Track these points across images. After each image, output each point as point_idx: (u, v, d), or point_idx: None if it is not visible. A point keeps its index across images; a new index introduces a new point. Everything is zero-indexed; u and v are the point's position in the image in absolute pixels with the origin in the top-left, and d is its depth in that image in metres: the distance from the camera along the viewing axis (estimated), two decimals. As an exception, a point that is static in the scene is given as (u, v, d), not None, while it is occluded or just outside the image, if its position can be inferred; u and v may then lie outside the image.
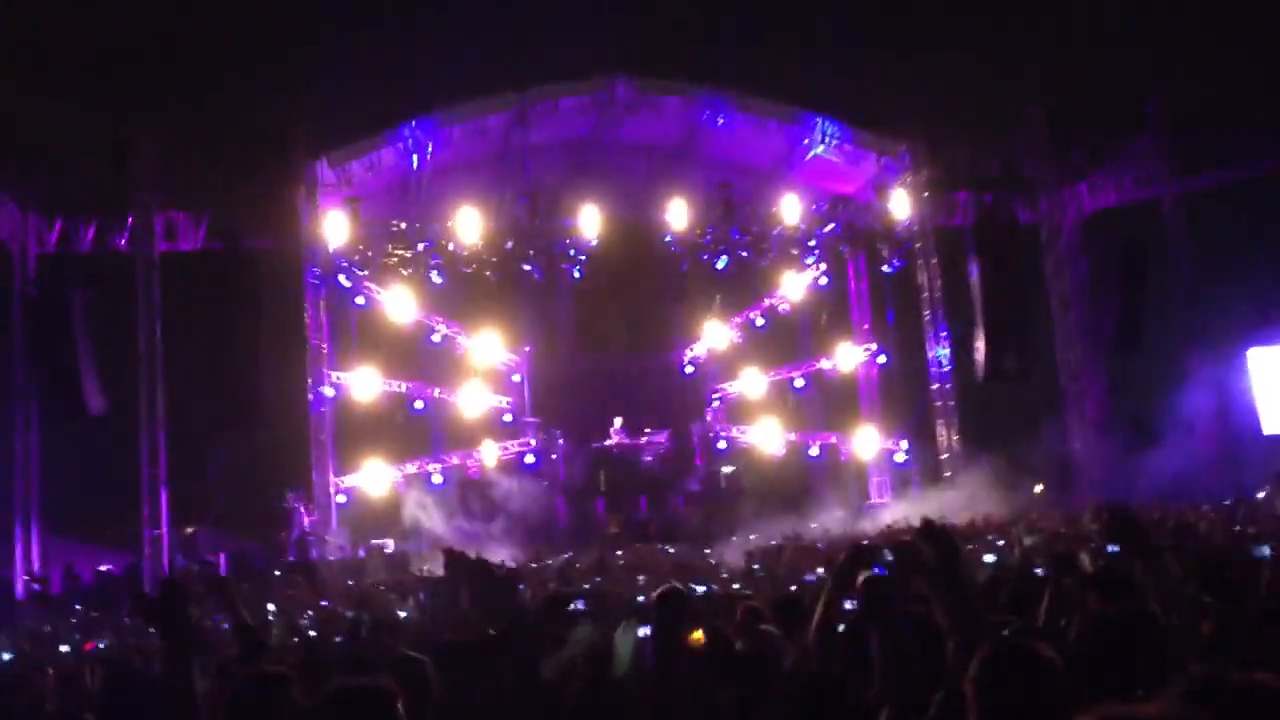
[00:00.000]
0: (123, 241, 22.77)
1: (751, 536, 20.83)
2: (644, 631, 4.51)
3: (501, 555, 16.78)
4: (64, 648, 9.56)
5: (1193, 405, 25.07)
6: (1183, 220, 25.38)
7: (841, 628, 4.38)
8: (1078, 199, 26.81)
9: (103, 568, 22.63)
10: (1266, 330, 27.01)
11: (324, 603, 13.02)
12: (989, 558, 9.52)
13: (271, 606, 13.21)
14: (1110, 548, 6.19)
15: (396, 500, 24.65)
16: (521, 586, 9.14)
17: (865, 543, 4.87)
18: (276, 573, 19.73)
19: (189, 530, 23.34)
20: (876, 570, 4.03)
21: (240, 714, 3.91)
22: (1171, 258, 25.43)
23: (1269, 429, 26.43)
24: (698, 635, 4.12)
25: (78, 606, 18.30)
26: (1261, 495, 16.67)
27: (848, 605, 4.62)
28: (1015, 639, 3.04)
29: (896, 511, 23.71)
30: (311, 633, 9.95)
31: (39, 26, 25.05)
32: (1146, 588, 4.95)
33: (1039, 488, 25.40)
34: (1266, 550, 5.72)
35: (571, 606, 5.66)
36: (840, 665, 4.11)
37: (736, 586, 12.55)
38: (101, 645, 11.85)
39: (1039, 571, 7.25)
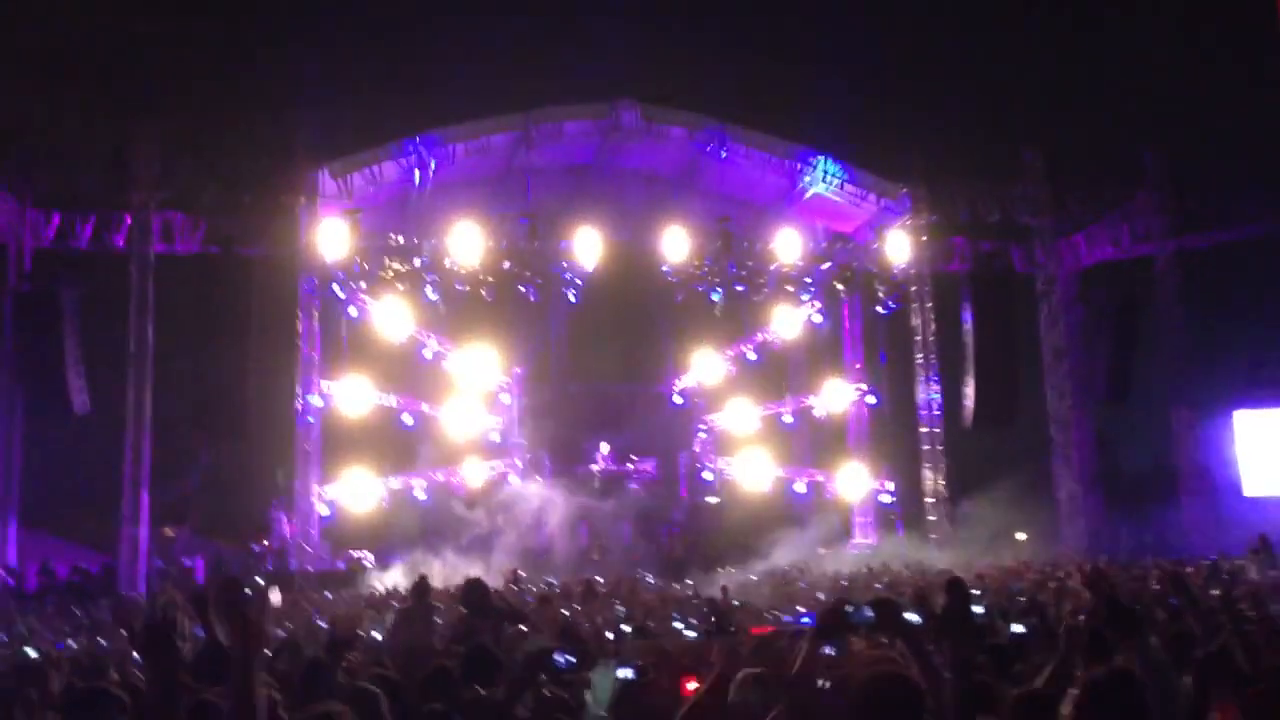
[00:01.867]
0: (119, 240, 22.69)
1: (731, 570, 20.76)
2: (625, 673, 4.46)
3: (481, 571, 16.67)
4: (31, 651, 9.44)
5: (1177, 463, 25.19)
6: (1177, 278, 25.53)
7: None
8: (1074, 250, 26.95)
9: (80, 565, 22.47)
10: (1254, 393, 27.17)
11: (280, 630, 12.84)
12: (978, 609, 9.48)
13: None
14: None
15: (380, 512, 24.58)
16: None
17: (844, 602, 4.84)
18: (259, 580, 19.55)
19: (168, 533, 23.19)
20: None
21: None
22: (1164, 315, 25.56)
23: (1249, 491, 26.53)
24: (693, 686, 4.03)
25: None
26: (1241, 561, 16.71)
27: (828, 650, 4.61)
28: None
29: (880, 555, 23.71)
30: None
31: (49, 23, 25.07)
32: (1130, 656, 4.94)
33: (1022, 536, 25.43)
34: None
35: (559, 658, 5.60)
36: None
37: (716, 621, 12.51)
38: (72, 645, 11.74)
39: (1019, 629, 7.25)
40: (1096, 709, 2.80)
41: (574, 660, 4.86)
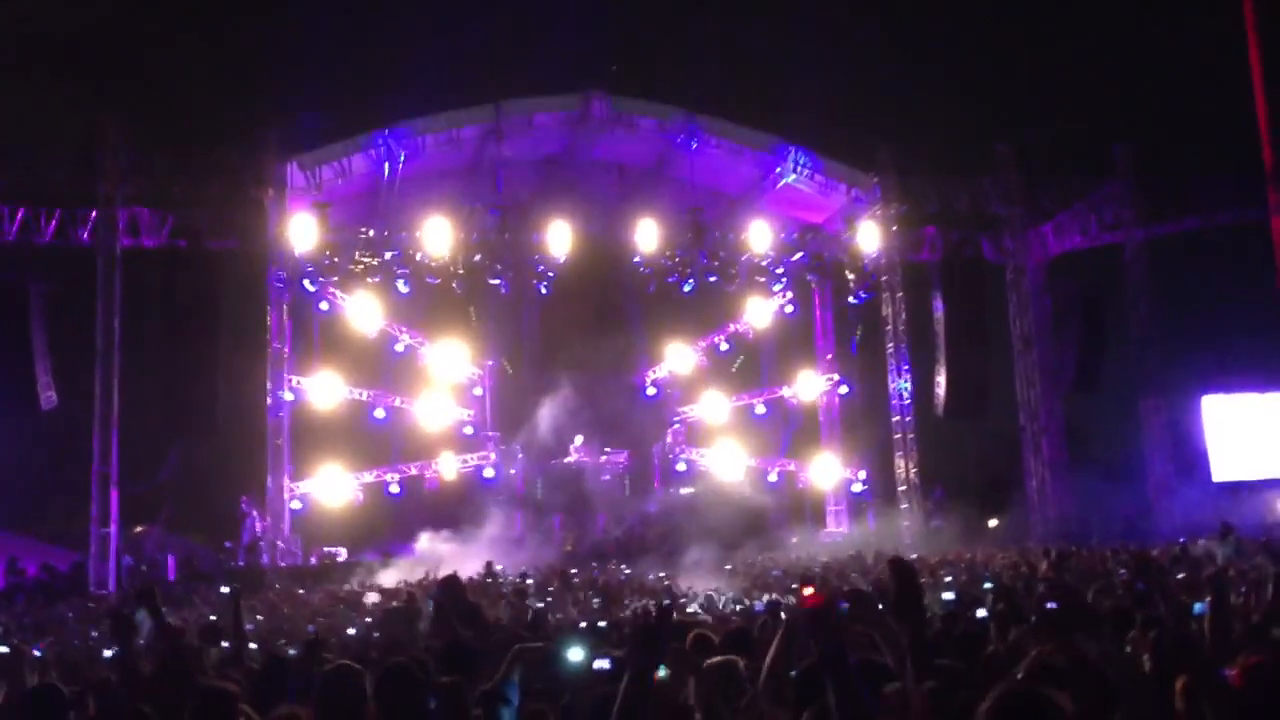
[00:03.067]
0: (86, 235, 22.44)
1: (705, 559, 20.79)
2: (601, 664, 4.43)
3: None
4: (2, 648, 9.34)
5: (1146, 449, 25.44)
6: (1145, 266, 25.76)
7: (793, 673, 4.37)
8: (1043, 240, 27.13)
9: (49, 564, 22.27)
10: (1222, 378, 27.46)
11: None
12: (948, 595, 9.55)
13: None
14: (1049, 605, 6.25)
15: (353, 508, 24.52)
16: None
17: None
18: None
19: (138, 530, 23.02)
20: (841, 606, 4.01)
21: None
22: (1132, 303, 25.78)
23: (1219, 476, 26.84)
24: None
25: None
26: (1204, 542, 16.91)
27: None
28: (1025, 685, 2.99)
29: (852, 542, 23.84)
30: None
31: (12, 16, 24.74)
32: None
33: (993, 523, 25.63)
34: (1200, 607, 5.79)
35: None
36: (790, 713, 4.10)
37: (690, 610, 12.56)
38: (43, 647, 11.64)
39: (982, 614, 7.30)
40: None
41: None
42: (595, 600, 15.05)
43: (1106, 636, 6.11)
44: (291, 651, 9.57)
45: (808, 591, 3.68)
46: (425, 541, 22.50)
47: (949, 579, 13.85)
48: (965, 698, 3.97)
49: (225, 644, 7.22)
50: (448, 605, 8.84)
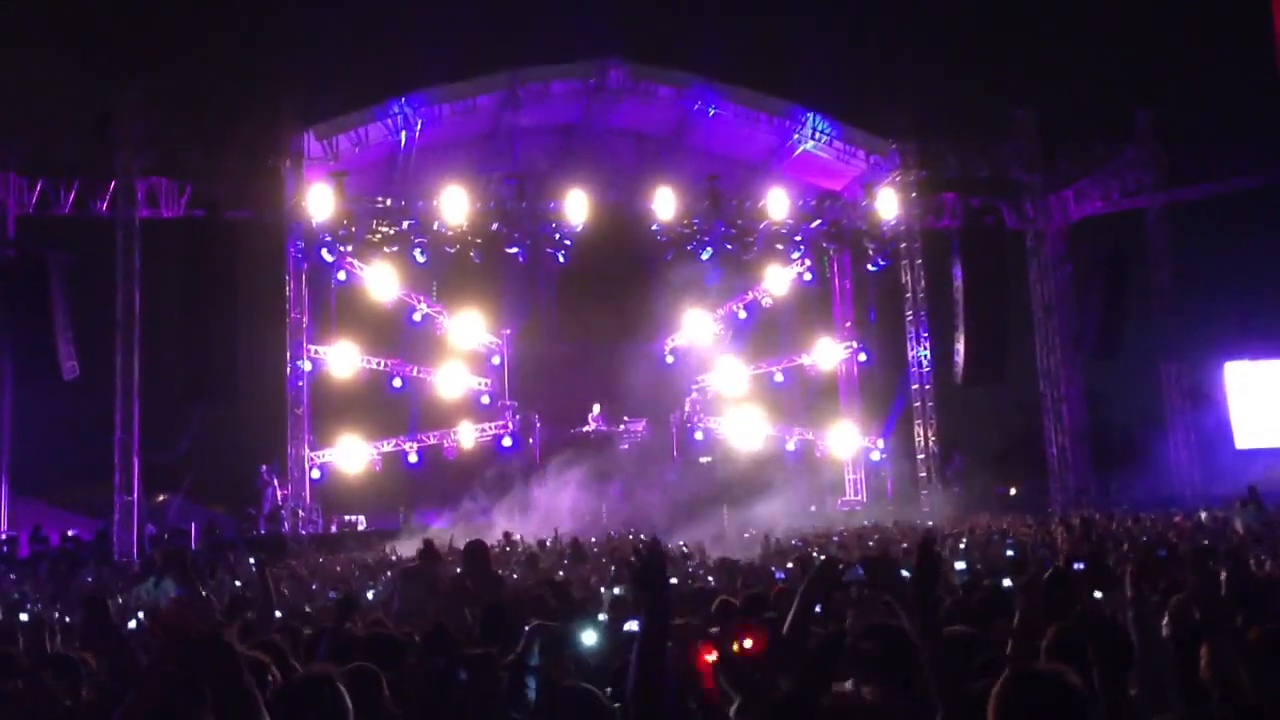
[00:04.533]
0: (104, 206, 22.51)
1: (725, 528, 20.82)
2: (630, 626, 4.42)
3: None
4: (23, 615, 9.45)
5: (1167, 416, 25.28)
6: (1166, 231, 25.50)
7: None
8: (1064, 205, 26.88)
9: (70, 532, 22.48)
10: (1244, 344, 27.23)
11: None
12: (960, 565, 9.53)
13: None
14: (1076, 565, 6.21)
15: (372, 475, 24.63)
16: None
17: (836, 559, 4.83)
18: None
19: (160, 499, 23.20)
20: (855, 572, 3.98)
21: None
22: (1153, 268, 25.55)
23: (1241, 443, 26.66)
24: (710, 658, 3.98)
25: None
26: (1227, 513, 16.81)
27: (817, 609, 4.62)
28: (1040, 668, 2.93)
29: (871, 512, 23.84)
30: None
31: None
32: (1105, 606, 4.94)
33: (1012, 491, 25.57)
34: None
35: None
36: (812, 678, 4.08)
37: (710, 580, 12.56)
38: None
39: (1007, 583, 7.25)
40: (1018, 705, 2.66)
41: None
42: (612, 568, 15.07)
43: (1125, 600, 6.09)
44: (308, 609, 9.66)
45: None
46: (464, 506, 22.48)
47: (963, 546, 13.83)
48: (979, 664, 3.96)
49: (250, 614, 7.25)
50: (472, 570, 8.91)
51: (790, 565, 12.49)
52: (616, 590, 8.05)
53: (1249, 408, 27.30)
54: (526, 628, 4.83)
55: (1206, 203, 26.05)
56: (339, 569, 16.61)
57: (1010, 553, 12.30)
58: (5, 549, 21.01)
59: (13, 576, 17.28)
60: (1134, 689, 4.03)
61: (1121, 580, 5.18)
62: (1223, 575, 5.76)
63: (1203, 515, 16.89)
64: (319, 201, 23.13)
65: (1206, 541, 11.10)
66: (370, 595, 10.95)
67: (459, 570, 9.50)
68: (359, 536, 22.25)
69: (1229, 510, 16.81)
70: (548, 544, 17.32)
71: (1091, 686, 3.41)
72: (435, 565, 9.83)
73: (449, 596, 8.46)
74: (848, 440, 28.26)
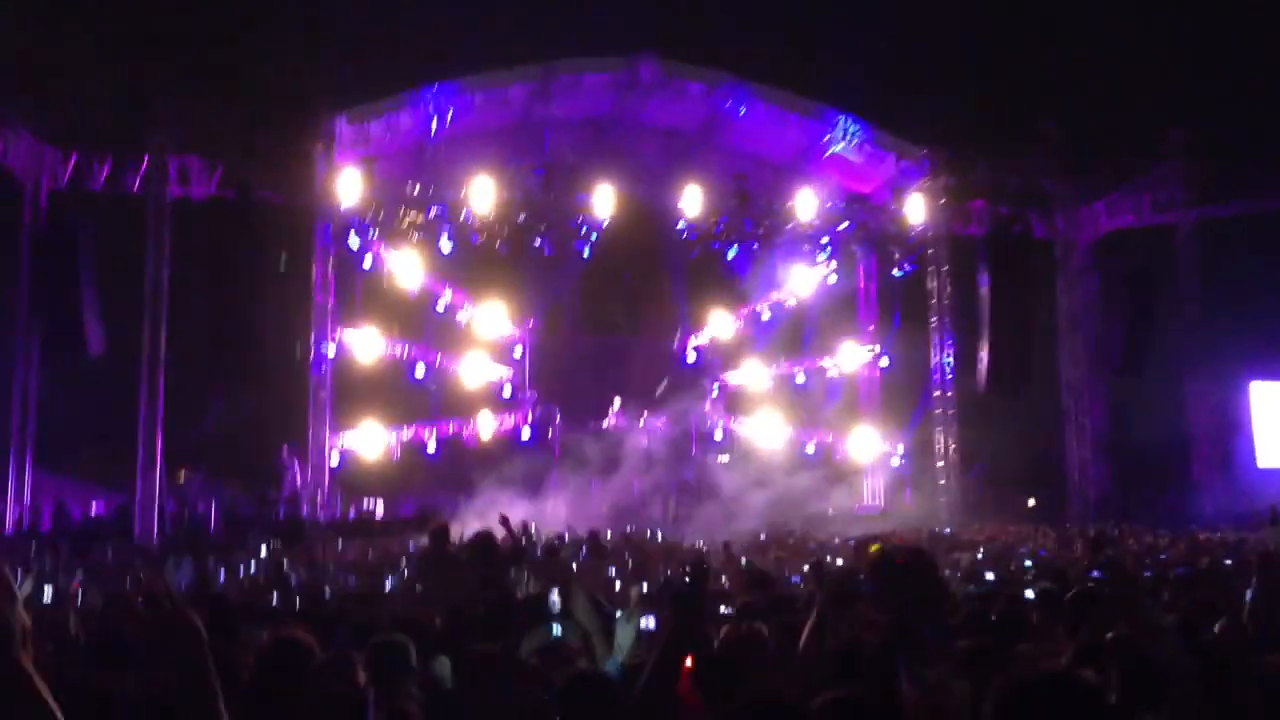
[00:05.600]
0: (136, 183, 22.64)
1: (736, 528, 20.81)
2: (648, 623, 4.45)
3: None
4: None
5: (1190, 433, 25.12)
6: (1196, 248, 25.32)
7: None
8: (1094, 218, 26.73)
9: (93, 509, 22.63)
10: (1271, 364, 27.02)
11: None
12: (990, 575, 9.50)
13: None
14: (1093, 574, 6.20)
15: (390, 462, 24.70)
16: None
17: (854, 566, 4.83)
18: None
19: (181, 476, 23.31)
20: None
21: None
22: (1181, 285, 25.37)
23: (1264, 463, 26.49)
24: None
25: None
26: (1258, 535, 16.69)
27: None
28: (1042, 672, 2.85)
29: (889, 518, 23.77)
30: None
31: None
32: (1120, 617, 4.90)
33: (1031, 502, 25.46)
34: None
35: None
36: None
37: (725, 580, 12.55)
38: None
39: (1030, 594, 7.23)
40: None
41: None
42: (630, 563, 15.08)
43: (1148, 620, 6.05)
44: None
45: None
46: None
47: (980, 556, 13.78)
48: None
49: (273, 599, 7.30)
50: (480, 560, 8.92)
51: (806, 569, 12.48)
52: (644, 586, 8.08)
53: (1272, 428, 27.11)
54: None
55: (1236, 221, 25.86)
56: (354, 556, 16.68)
57: (1028, 563, 12.27)
58: (27, 524, 21.18)
59: (34, 552, 17.40)
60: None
61: (1140, 599, 5.16)
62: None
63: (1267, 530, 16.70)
64: (348, 186, 23.20)
65: (1230, 561, 11.02)
66: (388, 584, 10.99)
67: (466, 561, 9.51)
68: (377, 523, 22.33)
69: (1247, 529, 16.72)
70: (565, 538, 17.36)
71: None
72: (448, 553, 9.83)
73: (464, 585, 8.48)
74: (868, 444, 28.17)
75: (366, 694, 3.68)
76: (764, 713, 3.12)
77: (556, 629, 5.52)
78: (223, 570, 12.38)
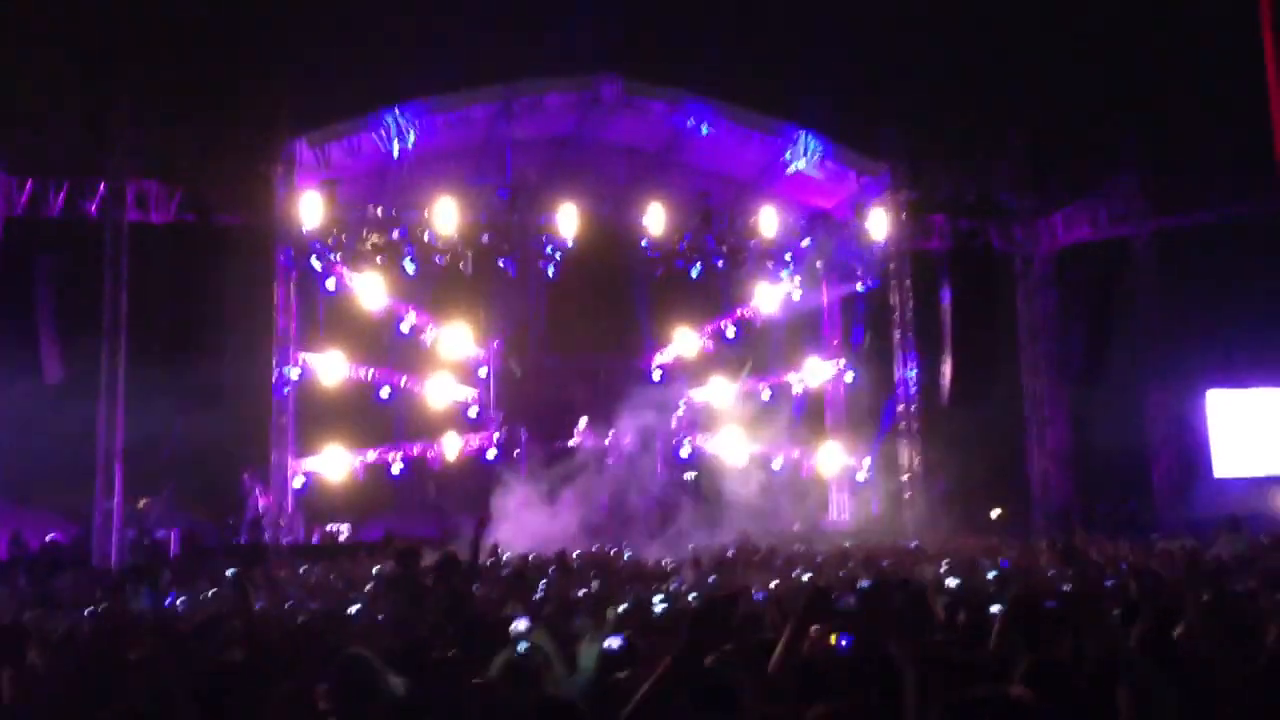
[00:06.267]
0: (93, 208, 22.42)
1: (699, 545, 20.76)
2: (613, 643, 4.44)
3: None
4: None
5: (1150, 442, 25.42)
6: (1154, 259, 25.67)
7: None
8: (1051, 231, 27.04)
9: (49, 537, 22.30)
10: (1228, 373, 27.41)
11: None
12: (952, 582, 9.55)
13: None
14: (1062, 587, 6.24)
15: (355, 485, 24.54)
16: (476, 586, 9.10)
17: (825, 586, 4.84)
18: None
19: (141, 504, 23.04)
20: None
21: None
22: (1140, 295, 25.70)
23: (1220, 472, 26.84)
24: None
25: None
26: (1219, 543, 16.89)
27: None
28: (979, 691, 2.88)
29: (855, 532, 23.85)
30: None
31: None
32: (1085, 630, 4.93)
33: (996, 513, 25.63)
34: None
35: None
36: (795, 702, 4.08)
37: (691, 597, 12.54)
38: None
39: (995, 608, 7.26)
40: None
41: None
42: (595, 584, 15.03)
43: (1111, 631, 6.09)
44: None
45: None
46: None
47: (943, 569, 13.85)
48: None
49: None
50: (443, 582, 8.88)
51: (774, 584, 12.49)
52: (622, 608, 8.07)
53: (1229, 436, 27.48)
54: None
55: (1193, 231, 26.23)
56: (316, 580, 16.51)
57: (992, 574, 12.34)
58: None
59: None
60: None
61: (1105, 613, 5.19)
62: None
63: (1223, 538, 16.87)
64: (309, 209, 23.10)
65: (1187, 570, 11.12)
66: (353, 610, 10.88)
67: (432, 582, 9.46)
68: (341, 547, 22.15)
69: (1206, 537, 16.92)
70: (530, 558, 17.29)
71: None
72: (415, 574, 9.77)
73: (430, 608, 8.44)
74: (834, 459, 28.27)
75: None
76: None
77: (521, 647, 5.50)
78: (183, 597, 12.24)
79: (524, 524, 23.01)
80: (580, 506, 23.94)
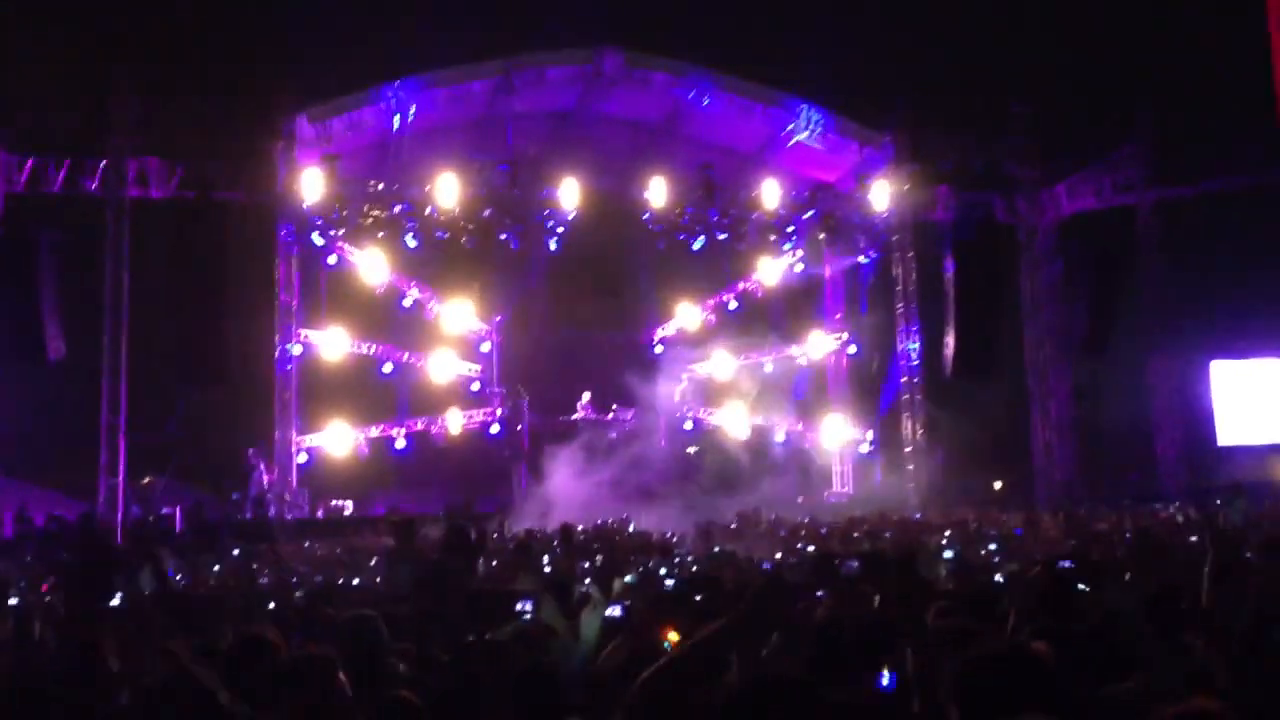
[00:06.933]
0: (94, 185, 22.37)
1: (706, 520, 20.80)
2: (614, 611, 4.45)
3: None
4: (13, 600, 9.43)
5: (1154, 413, 25.42)
6: (1157, 229, 25.57)
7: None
8: (1055, 201, 26.93)
9: (56, 513, 22.36)
10: (1231, 343, 27.38)
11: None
12: (948, 554, 9.57)
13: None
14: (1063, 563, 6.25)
15: (358, 461, 24.60)
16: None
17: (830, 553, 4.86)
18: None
19: (145, 480, 23.09)
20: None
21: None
22: (1143, 265, 25.63)
23: (1223, 440, 26.88)
24: (673, 636, 3.94)
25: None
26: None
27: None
28: (997, 647, 2.87)
29: (857, 503, 23.89)
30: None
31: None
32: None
33: (998, 484, 25.67)
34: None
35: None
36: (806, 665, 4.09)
37: (695, 569, 12.57)
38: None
39: (999, 578, 7.28)
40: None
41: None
42: (599, 557, 15.07)
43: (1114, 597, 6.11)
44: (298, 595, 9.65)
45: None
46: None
47: (945, 540, 13.87)
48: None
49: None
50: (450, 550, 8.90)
51: (779, 556, 12.55)
52: (629, 578, 8.08)
53: (1232, 405, 27.50)
54: None
55: (1196, 201, 26.12)
56: (320, 555, 16.58)
57: (993, 545, 12.37)
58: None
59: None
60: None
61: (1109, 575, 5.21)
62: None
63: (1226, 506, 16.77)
64: (311, 184, 23.03)
65: (1194, 538, 11.16)
66: (356, 581, 10.93)
67: (439, 557, 9.48)
68: (346, 522, 22.23)
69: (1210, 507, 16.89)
70: (535, 532, 17.32)
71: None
72: (414, 547, 9.80)
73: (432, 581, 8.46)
74: (837, 432, 28.29)
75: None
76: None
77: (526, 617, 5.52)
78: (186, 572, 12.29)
79: (527, 497, 23.10)
80: (583, 480, 23.97)
